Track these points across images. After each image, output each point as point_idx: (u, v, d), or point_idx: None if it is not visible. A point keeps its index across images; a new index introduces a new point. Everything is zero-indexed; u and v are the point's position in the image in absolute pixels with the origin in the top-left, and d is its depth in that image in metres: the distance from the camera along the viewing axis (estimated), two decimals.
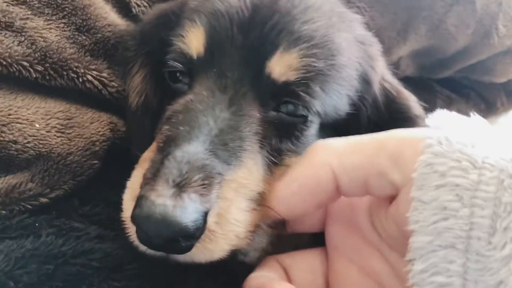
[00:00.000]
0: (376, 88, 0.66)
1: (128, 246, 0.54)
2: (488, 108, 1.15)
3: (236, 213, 0.51)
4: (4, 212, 0.58)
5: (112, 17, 0.72)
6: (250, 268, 0.56)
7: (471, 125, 0.46)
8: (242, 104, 0.56)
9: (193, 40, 0.60)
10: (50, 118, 0.63)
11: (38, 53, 0.64)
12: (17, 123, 0.60)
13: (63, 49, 0.66)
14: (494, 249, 0.38)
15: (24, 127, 0.60)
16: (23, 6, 0.66)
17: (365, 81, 0.65)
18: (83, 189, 0.64)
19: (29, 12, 0.66)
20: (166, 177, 0.48)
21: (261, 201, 0.54)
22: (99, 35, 0.70)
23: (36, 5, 0.67)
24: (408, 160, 0.43)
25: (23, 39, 0.64)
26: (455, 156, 0.41)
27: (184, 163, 0.50)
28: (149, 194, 0.47)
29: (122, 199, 0.64)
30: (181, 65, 0.61)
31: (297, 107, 0.58)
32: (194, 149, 0.51)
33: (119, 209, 0.63)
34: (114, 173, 0.67)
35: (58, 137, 0.62)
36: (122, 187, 0.65)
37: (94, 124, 0.66)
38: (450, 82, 1.12)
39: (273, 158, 0.57)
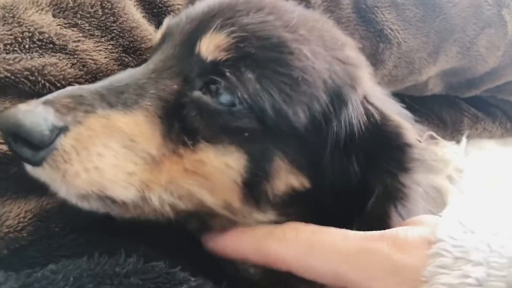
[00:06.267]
0: (355, 109, 0.62)
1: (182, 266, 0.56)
2: None
3: (104, 151, 0.52)
4: (57, 229, 0.60)
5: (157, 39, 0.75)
6: None
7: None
8: (163, 75, 0.58)
9: (158, 33, 0.67)
10: None
11: (89, 75, 0.67)
12: None
13: (112, 71, 0.68)
14: None
15: None
16: (75, 29, 0.69)
17: (339, 99, 0.61)
18: None
19: (81, 35, 0.69)
20: (45, 97, 0.52)
21: (153, 164, 0.55)
22: (145, 56, 0.72)
23: (86, 28, 0.69)
24: None
25: (75, 61, 0.66)
26: None
27: (68, 91, 0.54)
28: (21, 104, 0.51)
29: None
30: (149, 55, 0.67)
31: (219, 86, 0.57)
32: (83, 87, 0.55)
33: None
34: None
35: None
36: None
37: None
38: (477, 101, 1.13)
39: (184, 137, 0.56)
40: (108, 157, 0.52)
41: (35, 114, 0.50)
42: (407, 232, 0.52)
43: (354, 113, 0.61)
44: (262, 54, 0.57)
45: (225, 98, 0.56)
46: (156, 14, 0.77)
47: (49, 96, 0.52)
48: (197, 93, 0.57)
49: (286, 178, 0.60)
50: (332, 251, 0.54)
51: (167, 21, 0.66)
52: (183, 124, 0.56)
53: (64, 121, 0.51)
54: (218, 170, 0.57)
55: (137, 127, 0.55)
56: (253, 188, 0.59)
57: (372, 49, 0.91)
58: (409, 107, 1.08)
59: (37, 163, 0.51)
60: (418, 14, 0.91)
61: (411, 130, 0.64)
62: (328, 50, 0.62)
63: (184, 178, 0.57)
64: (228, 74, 0.56)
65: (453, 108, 1.10)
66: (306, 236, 0.57)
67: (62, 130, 0.51)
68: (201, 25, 0.60)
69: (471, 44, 0.95)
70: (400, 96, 1.08)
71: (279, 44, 0.58)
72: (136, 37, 0.72)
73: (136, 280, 0.53)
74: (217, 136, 0.57)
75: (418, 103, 1.09)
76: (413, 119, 0.73)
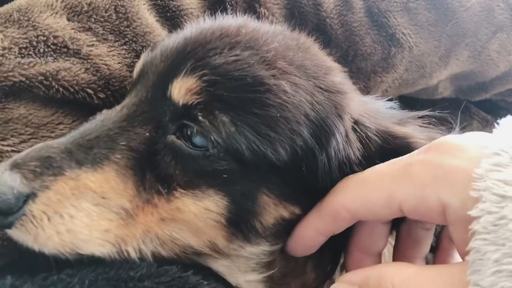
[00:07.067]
0: (343, 138, 0.60)
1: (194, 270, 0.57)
2: None
3: (75, 212, 0.53)
4: None
5: None
6: None
7: None
8: (135, 122, 0.57)
9: (136, 68, 0.66)
10: None
11: (102, 81, 0.67)
12: None
13: (125, 78, 0.69)
14: None
15: None
16: (89, 33, 0.69)
17: (324, 130, 0.59)
18: None
19: (94, 39, 0.69)
20: (13, 159, 0.53)
21: (127, 218, 0.55)
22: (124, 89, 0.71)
23: (100, 32, 0.70)
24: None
25: (89, 66, 0.67)
26: (509, 245, 0.42)
27: (36, 151, 0.53)
28: None
29: None
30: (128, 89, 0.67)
31: (192, 130, 0.56)
32: (53, 144, 0.55)
33: None
34: None
35: None
36: None
37: None
38: (487, 104, 1.13)
39: (159, 186, 0.56)
40: (81, 218, 0.53)
41: (1, 182, 0.50)
42: (454, 138, 0.52)
43: (343, 142, 0.59)
44: (236, 96, 0.55)
45: (198, 141, 0.55)
46: (169, 18, 0.77)
47: (17, 158, 0.52)
48: (170, 138, 0.57)
49: (274, 212, 0.59)
50: (382, 176, 0.54)
51: (143, 57, 0.65)
52: (157, 172, 0.56)
53: (30, 187, 0.51)
54: (197, 215, 0.56)
55: (108, 184, 0.54)
56: (239, 226, 0.58)
57: (383, 53, 0.91)
58: (417, 111, 1.08)
59: (7, 227, 0.52)
60: (430, 18, 0.91)
61: (420, 136, 0.62)
62: (310, 80, 0.60)
63: (162, 226, 0.56)
64: (200, 118, 0.54)
65: (462, 112, 1.10)
66: (356, 178, 0.57)
67: (29, 196, 0.51)
68: (173, 66, 0.59)
69: (482, 49, 0.95)
70: (411, 100, 1.08)
71: (254, 84, 0.56)
72: (149, 42, 0.72)
73: (150, 284, 0.54)
74: (193, 181, 0.56)
75: (426, 107, 1.09)
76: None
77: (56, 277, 0.53)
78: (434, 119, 0.74)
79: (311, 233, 0.59)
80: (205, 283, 0.57)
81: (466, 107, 1.11)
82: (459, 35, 0.92)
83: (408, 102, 1.08)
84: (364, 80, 0.93)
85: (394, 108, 0.70)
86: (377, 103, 0.70)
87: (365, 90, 0.94)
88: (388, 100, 0.71)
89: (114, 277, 0.54)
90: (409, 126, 0.65)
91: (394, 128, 0.63)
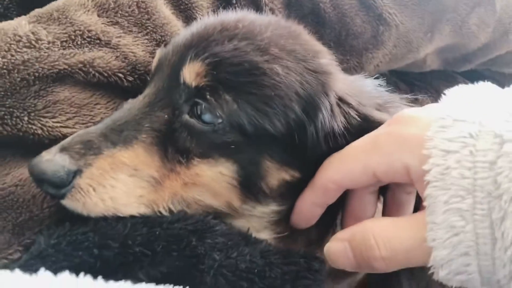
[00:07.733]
0: (328, 112, 0.68)
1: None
2: None
3: (115, 183, 0.64)
4: None
5: None
6: None
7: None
8: (155, 108, 0.69)
9: (153, 62, 0.77)
10: None
11: (130, 67, 0.79)
12: None
13: (148, 63, 0.81)
14: (499, 251, 0.49)
15: None
16: (116, 26, 0.81)
17: (312, 105, 0.67)
18: None
19: (121, 31, 0.81)
20: (61, 144, 0.65)
21: (156, 185, 0.66)
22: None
23: (126, 25, 0.82)
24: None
25: (118, 54, 0.79)
26: (453, 188, 0.52)
27: (78, 136, 0.66)
28: (44, 152, 0.64)
29: None
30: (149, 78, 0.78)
31: (201, 108, 0.66)
32: (91, 130, 0.66)
33: None
34: None
35: None
36: None
37: None
38: (473, 74, 1.23)
39: (179, 157, 0.66)
40: (120, 187, 0.64)
41: (54, 163, 0.62)
42: (410, 111, 0.62)
43: (328, 116, 0.68)
44: (236, 79, 0.65)
45: (207, 118, 0.66)
46: (183, 10, 0.89)
47: (64, 143, 0.64)
48: (185, 117, 0.67)
49: (277, 175, 0.68)
50: (357, 150, 0.65)
51: (159, 53, 0.76)
52: (176, 146, 0.66)
53: (77, 165, 0.63)
54: (213, 178, 0.67)
55: (138, 158, 0.65)
56: (249, 187, 0.68)
57: (373, 32, 1.02)
58: (409, 83, 1.19)
59: (60, 197, 0.64)
60: None
61: None
62: (299, 63, 0.69)
63: (185, 190, 0.68)
64: (208, 96, 0.65)
65: (450, 82, 1.20)
66: (338, 155, 0.67)
67: (77, 172, 0.63)
68: (182, 57, 0.70)
69: (462, 23, 1.04)
70: (399, 74, 1.19)
71: (251, 68, 0.66)
72: (167, 32, 0.84)
73: (180, 225, 0.66)
74: (206, 151, 0.66)
75: (417, 79, 1.20)
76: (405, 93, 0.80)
77: (105, 222, 0.66)
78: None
79: (309, 207, 0.69)
80: (223, 223, 0.69)
81: (452, 77, 1.20)
82: (440, 11, 1.01)
83: (399, 75, 1.19)
84: (357, 57, 1.03)
85: (381, 86, 0.78)
86: (365, 81, 0.78)
87: (359, 65, 1.05)
88: (377, 77, 0.79)
89: (150, 221, 0.66)
90: (392, 108, 0.73)
91: (373, 112, 0.71)
